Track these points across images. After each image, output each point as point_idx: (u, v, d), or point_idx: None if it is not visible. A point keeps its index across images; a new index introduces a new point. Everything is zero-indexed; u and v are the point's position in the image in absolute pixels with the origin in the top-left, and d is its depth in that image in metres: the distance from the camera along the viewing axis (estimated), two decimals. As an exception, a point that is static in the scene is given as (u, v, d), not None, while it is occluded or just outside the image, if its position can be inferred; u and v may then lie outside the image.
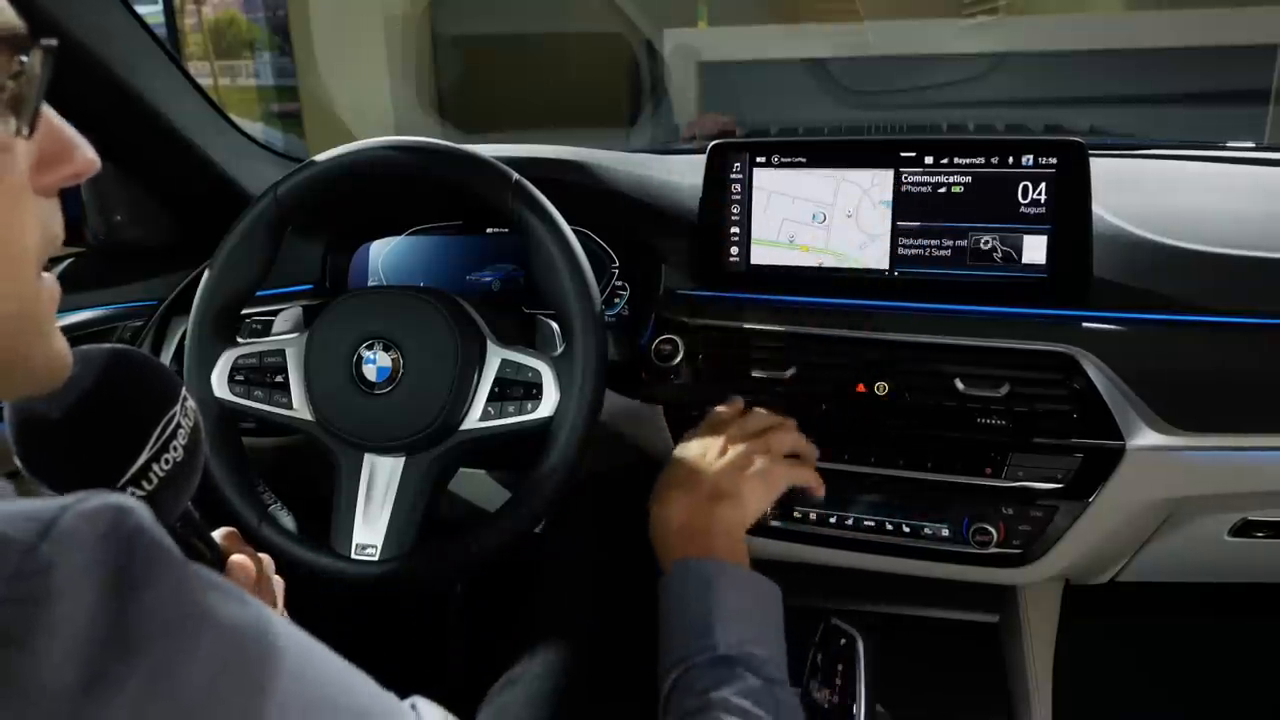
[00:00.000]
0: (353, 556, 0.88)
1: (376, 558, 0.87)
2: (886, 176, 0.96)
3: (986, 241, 0.94)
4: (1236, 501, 0.93)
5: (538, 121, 2.80)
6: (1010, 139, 0.93)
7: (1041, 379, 0.91)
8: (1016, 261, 0.94)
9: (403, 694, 0.45)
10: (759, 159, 1.00)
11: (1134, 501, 0.91)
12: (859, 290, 0.97)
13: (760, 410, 0.90)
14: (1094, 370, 0.89)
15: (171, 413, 0.56)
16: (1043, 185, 0.92)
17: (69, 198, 0.59)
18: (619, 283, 1.10)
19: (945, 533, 0.95)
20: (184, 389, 0.57)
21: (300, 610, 0.74)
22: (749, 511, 0.79)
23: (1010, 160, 0.93)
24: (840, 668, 0.82)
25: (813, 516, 0.97)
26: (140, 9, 1.03)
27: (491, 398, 0.88)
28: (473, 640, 0.95)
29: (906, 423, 0.94)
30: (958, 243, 0.95)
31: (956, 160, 0.94)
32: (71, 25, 0.91)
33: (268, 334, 1.01)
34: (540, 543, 0.94)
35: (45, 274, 0.42)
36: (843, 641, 0.79)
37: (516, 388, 0.88)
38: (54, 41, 0.39)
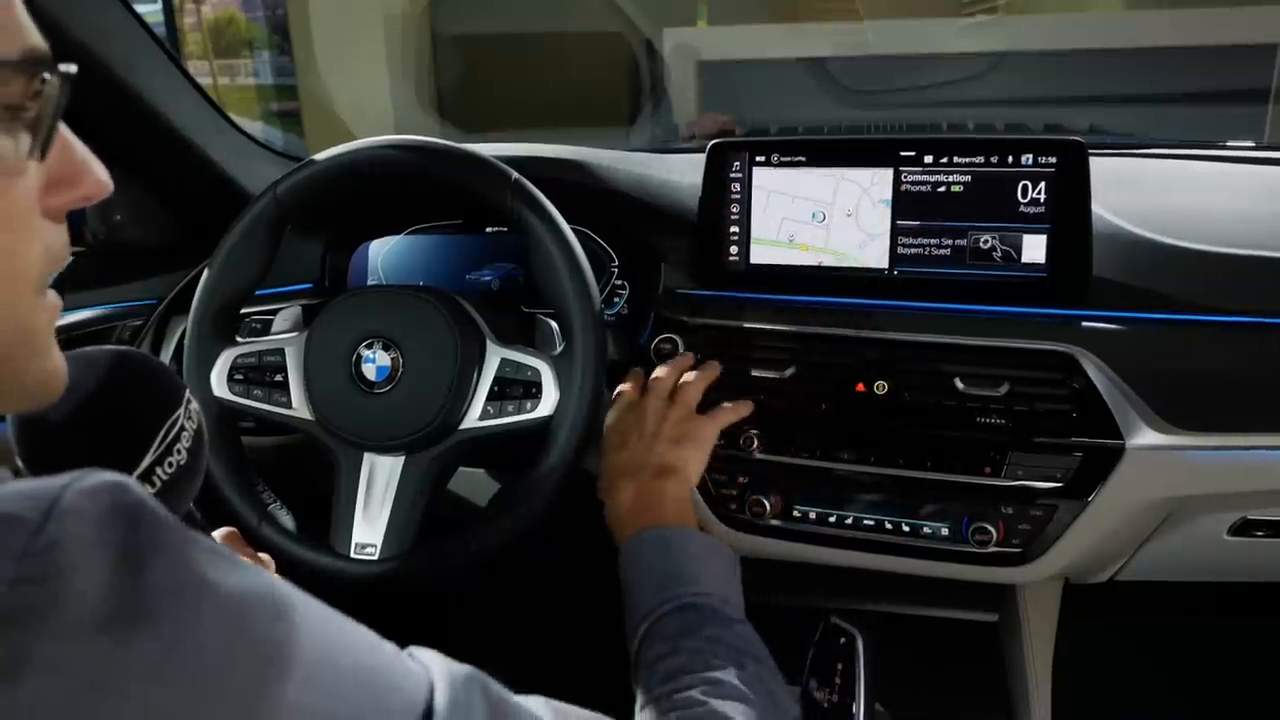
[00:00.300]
0: (352, 555, 0.88)
1: (376, 557, 0.87)
2: (886, 175, 0.96)
3: (986, 241, 0.94)
4: (1236, 500, 0.93)
5: (537, 121, 2.80)
6: (1010, 138, 0.93)
7: (1041, 378, 0.91)
8: (1016, 261, 0.93)
9: None
10: (758, 158, 1.00)
11: (1133, 501, 0.91)
12: (858, 289, 0.97)
13: (660, 370, 0.94)
14: (1093, 369, 0.89)
15: (175, 415, 0.56)
16: (1042, 184, 0.92)
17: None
18: (618, 282, 1.10)
19: (945, 532, 0.95)
20: (187, 391, 0.57)
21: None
22: (691, 477, 0.85)
23: (1010, 159, 0.93)
24: (840, 667, 0.82)
25: (813, 515, 0.97)
26: (139, 8, 1.03)
27: (491, 397, 0.88)
28: (472, 638, 0.95)
29: (906, 422, 0.94)
30: (957, 242, 0.95)
31: (956, 159, 0.94)
32: (71, 25, 0.91)
33: (267, 333, 1.01)
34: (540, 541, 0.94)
35: (50, 290, 0.42)
36: (842, 640, 0.79)
37: (516, 387, 0.88)
38: (74, 67, 0.39)
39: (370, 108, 2.89)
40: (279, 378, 0.91)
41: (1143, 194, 1.04)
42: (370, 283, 1.16)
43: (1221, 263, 0.92)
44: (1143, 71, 2.43)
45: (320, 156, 0.92)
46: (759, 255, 1.01)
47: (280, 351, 0.92)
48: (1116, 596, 1.08)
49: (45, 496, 0.32)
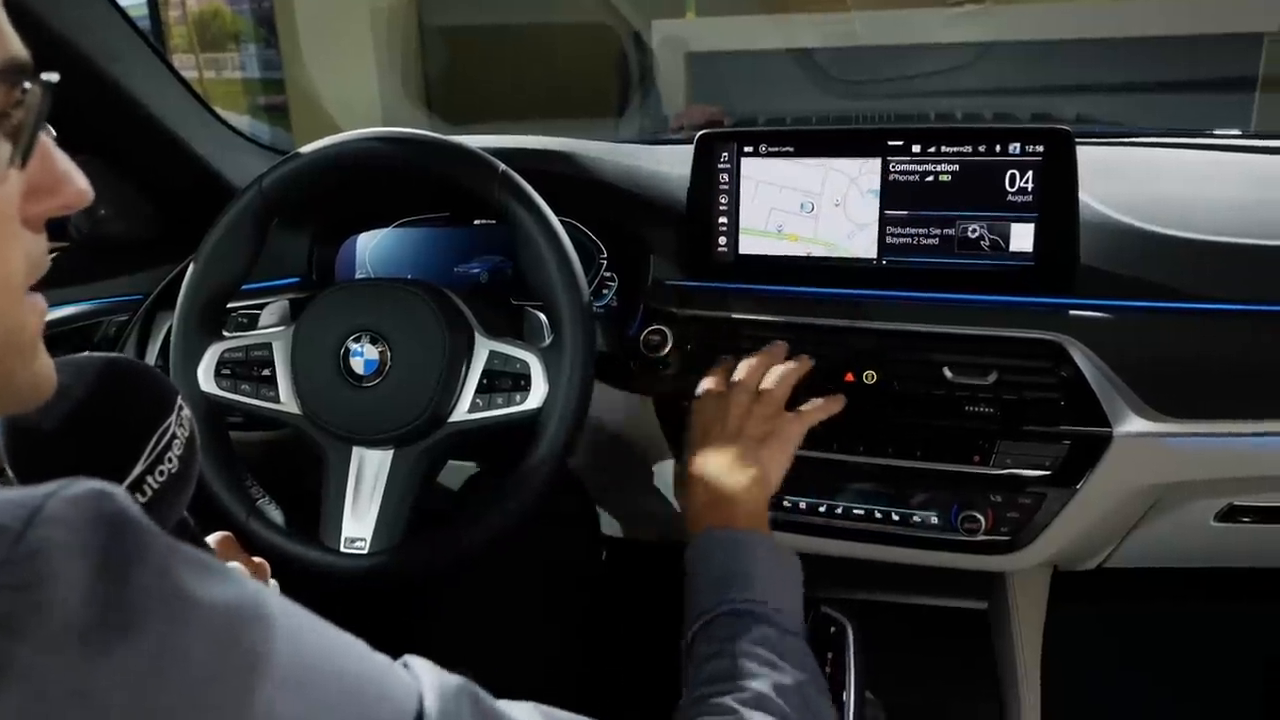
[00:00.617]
0: (342, 550, 0.88)
1: (365, 551, 0.87)
2: (874, 165, 0.96)
3: (974, 230, 0.94)
4: (1223, 487, 0.94)
5: (526, 113, 2.79)
6: (997, 127, 0.93)
7: (1029, 366, 0.91)
8: (1004, 249, 0.94)
9: None
10: (746, 148, 1.00)
11: (1121, 488, 0.92)
12: (847, 279, 0.97)
13: (748, 362, 0.90)
14: (1081, 358, 0.89)
15: (167, 423, 0.55)
16: (1030, 173, 0.92)
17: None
18: (607, 274, 1.10)
19: (934, 520, 0.95)
20: (180, 398, 0.57)
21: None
22: (771, 482, 0.82)
23: (997, 148, 0.93)
24: (830, 655, 0.82)
25: (802, 505, 0.98)
26: (123, 1, 1.02)
27: (480, 389, 0.88)
28: (460, 633, 0.95)
29: (895, 411, 0.94)
30: (945, 231, 0.95)
31: (944, 149, 0.94)
32: (52, 18, 0.91)
33: (254, 328, 1.00)
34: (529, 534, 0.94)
35: (33, 293, 0.41)
36: (832, 629, 0.80)
37: (505, 379, 0.88)
38: (55, 76, 0.39)
39: (357, 101, 2.87)
40: (266, 372, 0.91)
41: (1130, 182, 1.04)
42: (358, 276, 1.16)
43: (1208, 251, 0.93)
44: (1130, 60, 2.43)
45: (306, 149, 0.92)
46: (747, 246, 1.01)
47: (268, 346, 0.91)
48: (1105, 583, 1.09)
49: (28, 504, 0.32)
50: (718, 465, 0.81)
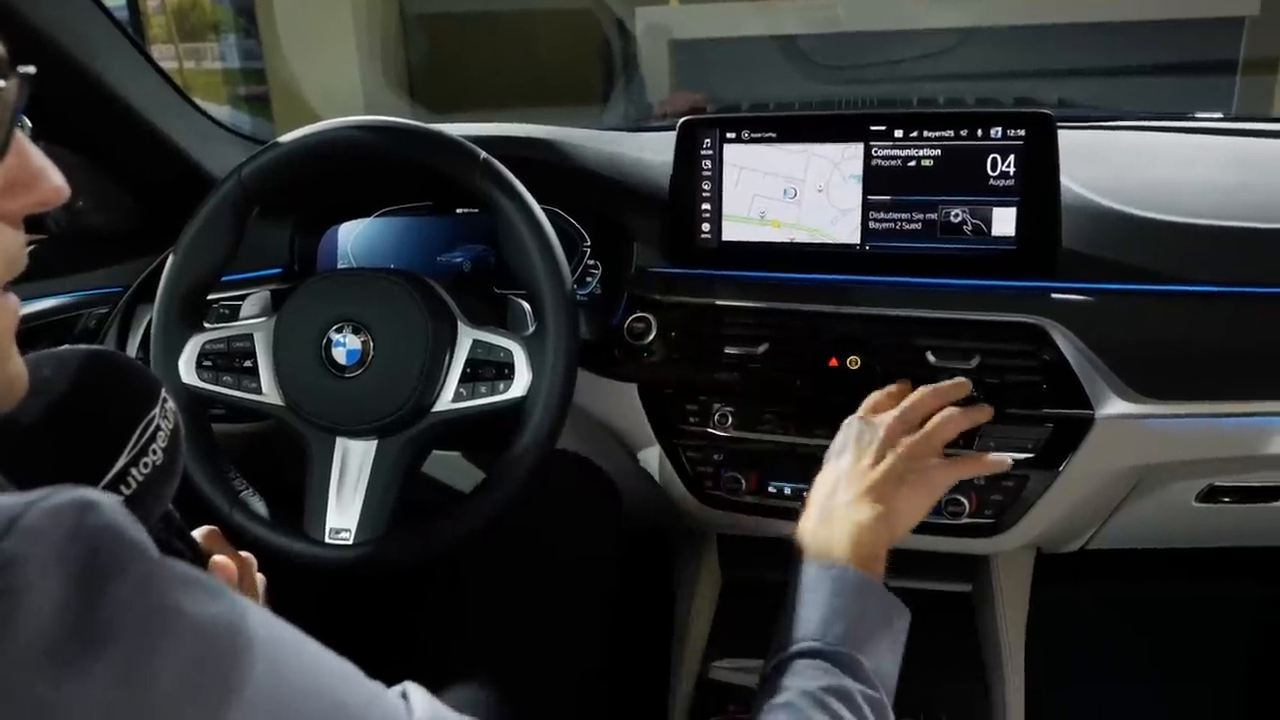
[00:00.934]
0: (327, 541, 0.87)
1: (350, 541, 0.87)
2: (857, 150, 0.96)
3: (956, 214, 0.94)
4: (1204, 468, 0.95)
5: (510, 101, 2.78)
6: (979, 111, 0.93)
7: (1011, 350, 0.91)
8: (986, 234, 0.94)
9: (380, 676, 0.45)
10: (729, 135, 0.99)
11: (1103, 469, 0.92)
12: (830, 265, 0.98)
13: (924, 390, 0.83)
14: (1063, 341, 0.90)
15: (151, 415, 0.55)
16: (1011, 157, 0.92)
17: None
18: (591, 261, 1.10)
19: (918, 505, 0.95)
20: (163, 390, 0.56)
21: (275, 598, 0.74)
22: (901, 525, 0.75)
23: (979, 133, 0.93)
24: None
25: (788, 491, 0.98)
26: (100, -9, 1.01)
27: (463, 379, 0.88)
28: (443, 623, 0.95)
29: (879, 396, 0.94)
30: (928, 216, 0.95)
31: (926, 133, 0.94)
32: (28, 10, 0.89)
33: (236, 319, 1.00)
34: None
35: (5, 292, 0.41)
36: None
37: (488, 368, 0.88)
38: (32, 69, 0.38)
39: (340, 90, 2.85)
40: (248, 363, 0.90)
41: (1111, 166, 1.05)
42: (341, 266, 1.15)
43: (1189, 234, 0.93)
44: (1112, 44, 2.44)
45: (285, 139, 0.91)
46: (731, 232, 1.00)
47: (249, 337, 0.91)
48: (1088, 565, 1.10)
49: (6, 514, 0.32)
50: (849, 493, 0.75)
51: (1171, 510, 0.99)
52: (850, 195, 0.97)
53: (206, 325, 0.93)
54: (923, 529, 0.95)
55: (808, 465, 0.96)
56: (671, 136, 1.01)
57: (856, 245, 0.97)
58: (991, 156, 0.93)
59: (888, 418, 0.80)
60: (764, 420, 0.98)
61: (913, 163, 0.95)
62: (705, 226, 1.01)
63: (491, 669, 0.87)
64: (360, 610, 1.16)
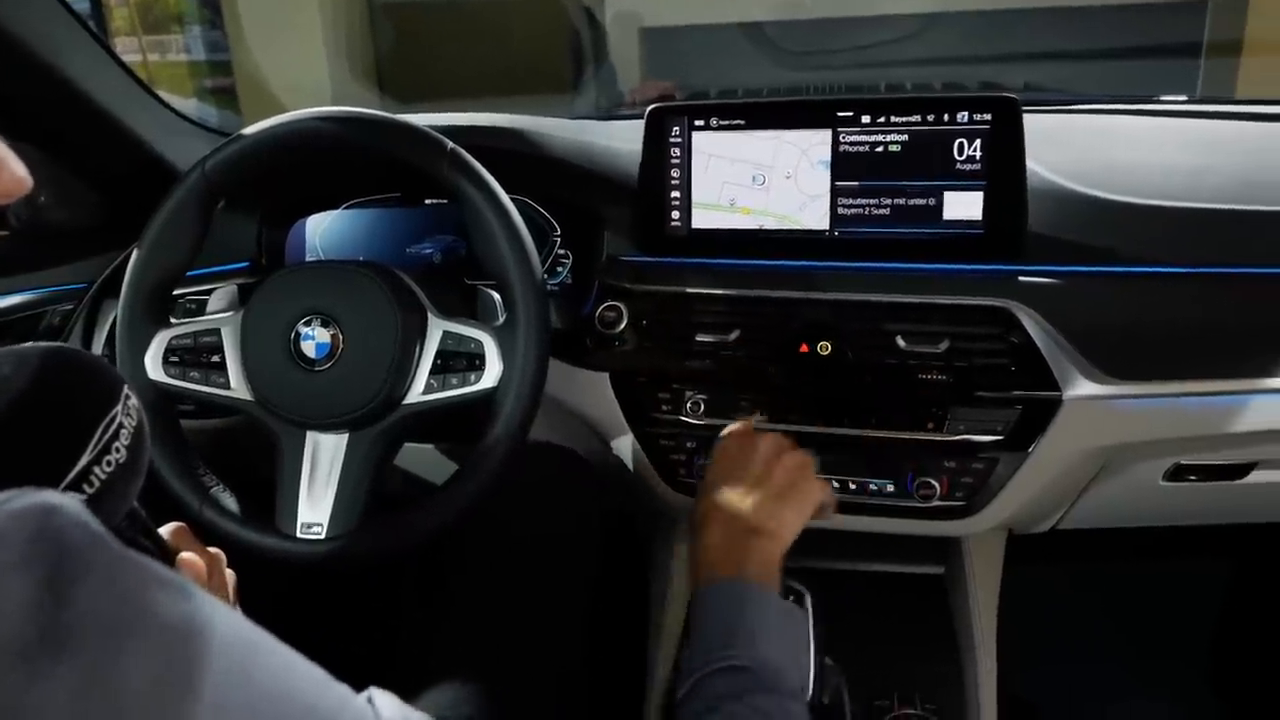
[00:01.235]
0: (298, 536, 0.87)
1: (323, 536, 0.86)
2: (824, 137, 0.96)
3: (923, 199, 0.95)
4: (1169, 447, 0.96)
5: (479, 90, 2.77)
6: (944, 96, 0.94)
7: (979, 333, 0.92)
8: (953, 218, 0.94)
9: (351, 678, 0.45)
10: (698, 122, 0.99)
11: (1072, 450, 0.93)
12: (800, 251, 0.98)
13: (769, 433, 0.86)
14: (1030, 323, 0.91)
15: (113, 413, 0.54)
16: (978, 142, 0.93)
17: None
18: (561, 251, 1.09)
19: (890, 488, 0.96)
20: (125, 387, 0.56)
21: (246, 595, 0.73)
22: (785, 540, 0.78)
23: (945, 118, 0.93)
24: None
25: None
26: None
27: (434, 370, 0.87)
28: (423, 618, 0.95)
29: (850, 381, 0.95)
30: (896, 201, 0.96)
31: (893, 119, 0.95)
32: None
33: (202, 314, 0.99)
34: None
35: None
36: (791, 598, 0.80)
37: (459, 359, 0.87)
38: None
39: (306, 81, 2.83)
40: (216, 358, 0.89)
41: (1077, 149, 1.06)
42: (309, 259, 1.14)
43: (1154, 216, 0.94)
44: (1077, 28, 2.46)
45: (249, 130, 0.90)
46: (701, 220, 1.00)
47: (216, 331, 0.90)
48: (1058, 545, 1.11)
49: None
50: (733, 511, 0.78)
51: (1139, 490, 1.00)
52: (819, 181, 0.97)
53: (173, 320, 0.92)
54: (895, 513, 0.97)
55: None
56: (640, 125, 1.01)
57: (826, 231, 0.98)
58: (958, 141, 0.93)
59: (758, 436, 0.84)
60: (736, 407, 0.98)
61: (880, 148, 0.95)
62: (675, 214, 1.01)
63: (472, 661, 0.87)
64: (337, 605, 1.16)
